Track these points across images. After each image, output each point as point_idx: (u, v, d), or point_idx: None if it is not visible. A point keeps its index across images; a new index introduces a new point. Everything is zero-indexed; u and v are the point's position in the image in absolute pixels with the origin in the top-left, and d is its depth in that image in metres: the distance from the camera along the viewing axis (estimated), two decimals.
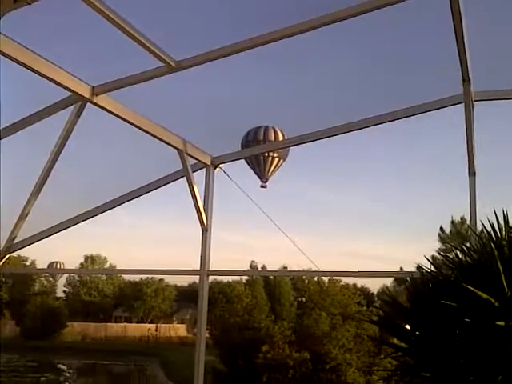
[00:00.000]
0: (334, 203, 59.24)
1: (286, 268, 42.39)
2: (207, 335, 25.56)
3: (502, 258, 4.32)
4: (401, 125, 6.98)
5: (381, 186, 54.23)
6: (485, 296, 4.15)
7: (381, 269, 10.19)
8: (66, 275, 60.76)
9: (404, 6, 5.02)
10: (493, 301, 4.16)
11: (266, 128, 13.89)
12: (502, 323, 4.07)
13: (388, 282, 44.97)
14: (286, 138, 8.85)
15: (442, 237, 27.90)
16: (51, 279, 60.54)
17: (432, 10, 5.47)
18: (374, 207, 57.24)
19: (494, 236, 4.69)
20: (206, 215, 7.40)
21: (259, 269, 48.54)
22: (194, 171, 7.34)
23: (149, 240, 66.89)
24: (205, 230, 7.40)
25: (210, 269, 7.44)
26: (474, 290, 4.15)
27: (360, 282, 43.98)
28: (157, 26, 5.10)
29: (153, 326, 53.99)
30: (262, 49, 5.39)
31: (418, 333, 4.83)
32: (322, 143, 7.28)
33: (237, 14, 5.33)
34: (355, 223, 58.00)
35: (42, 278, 59.87)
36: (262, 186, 16.94)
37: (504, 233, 4.64)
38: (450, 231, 27.99)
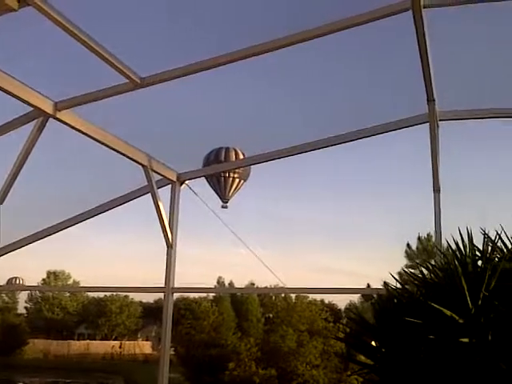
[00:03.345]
0: (303, 219, 59.40)
1: (254, 284, 42.33)
2: (172, 352, 25.25)
3: (466, 276, 4.35)
4: (367, 142, 7.04)
5: (349, 202, 54.63)
6: (449, 313, 4.16)
7: (348, 285, 10.24)
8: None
9: (371, 28, 5.10)
10: (457, 318, 4.17)
11: (227, 149, 14.01)
12: (466, 340, 4.09)
13: (355, 297, 45.13)
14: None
15: (409, 253, 28.18)
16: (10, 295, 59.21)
17: (398, 33, 5.56)
18: (342, 223, 57.63)
19: (458, 253, 4.73)
20: (172, 232, 7.33)
21: (226, 284, 48.32)
22: (159, 187, 7.29)
23: (113, 256, 66.07)
24: (170, 247, 7.32)
25: (176, 285, 7.37)
26: (438, 307, 4.16)
27: (327, 297, 44.04)
28: (122, 42, 5.06)
29: (117, 343, 53.07)
30: (227, 67, 5.42)
31: (383, 349, 4.82)
32: (291, 159, 7.30)
33: (201, 32, 5.34)
34: (324, 239, 58.22)
35: (3, 294, 58.48)
36: (222, 207, 17.19)
37: (468, 250, 4.68)
38: (417, 248, 28.29)
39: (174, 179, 7.46)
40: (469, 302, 4.19)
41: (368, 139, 6.83)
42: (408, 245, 28.28)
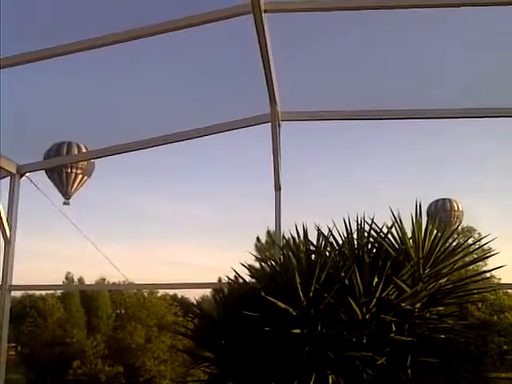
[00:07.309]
0: (156, 212, 58.39)
1: (105, 279, 41.21)
2: (13, 353, 23.96)
3: (299, 270, 4.58)
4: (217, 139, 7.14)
5: (204, 193, 54.43)
6: (283, 306, 4.37)
7: (200, 279, 10.25)
8: None
9: (217, 28, 5.18)
10: (290, 310, 4.39)
11: (70, 144, 13.52)
12: (297, 331, 4.31)
13: (208, 291, 45.19)
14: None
15: (258, 246, 28.83)
16: None
17: (242, 35, 5.70)
18: (196, 216, 57.33)
19: (294, 248, 4.97)
20: (10, 226, 6.97)
21: (75, 280, 46.68)
22: None
23: None
24: (8, 243, 6.95)
25: (18, 283, 7.04)
26: (274, 300, 4.35)
27: (180, 292, 43.97)
28: None
29: None
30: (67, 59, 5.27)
31: (223, 342, 4.93)
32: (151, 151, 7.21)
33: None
34: (178, 232, 57.53)
35: None
36: (64, 203, 16.46)
37: (302, 245, 4.93)
38: (266, 241, 28.99)
39: (14, 171, 7.11)
40: (301, 294, 4.42)
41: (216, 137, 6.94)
42: (258, 238, 28.95)
